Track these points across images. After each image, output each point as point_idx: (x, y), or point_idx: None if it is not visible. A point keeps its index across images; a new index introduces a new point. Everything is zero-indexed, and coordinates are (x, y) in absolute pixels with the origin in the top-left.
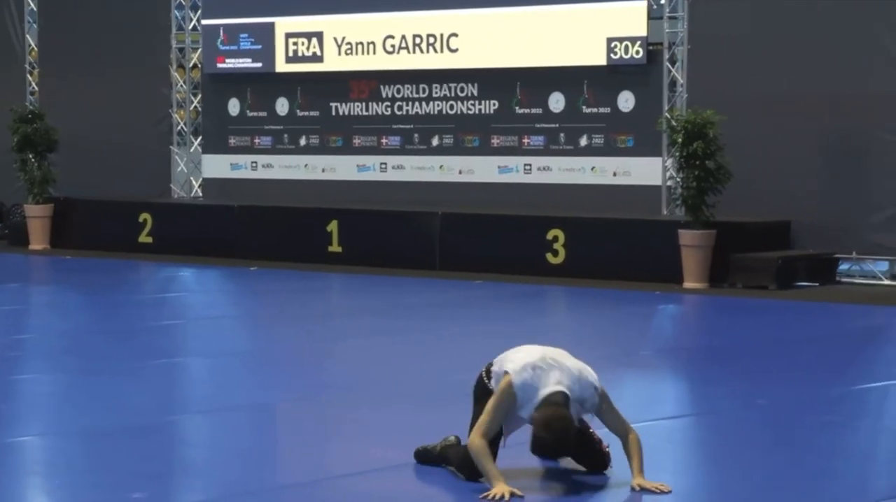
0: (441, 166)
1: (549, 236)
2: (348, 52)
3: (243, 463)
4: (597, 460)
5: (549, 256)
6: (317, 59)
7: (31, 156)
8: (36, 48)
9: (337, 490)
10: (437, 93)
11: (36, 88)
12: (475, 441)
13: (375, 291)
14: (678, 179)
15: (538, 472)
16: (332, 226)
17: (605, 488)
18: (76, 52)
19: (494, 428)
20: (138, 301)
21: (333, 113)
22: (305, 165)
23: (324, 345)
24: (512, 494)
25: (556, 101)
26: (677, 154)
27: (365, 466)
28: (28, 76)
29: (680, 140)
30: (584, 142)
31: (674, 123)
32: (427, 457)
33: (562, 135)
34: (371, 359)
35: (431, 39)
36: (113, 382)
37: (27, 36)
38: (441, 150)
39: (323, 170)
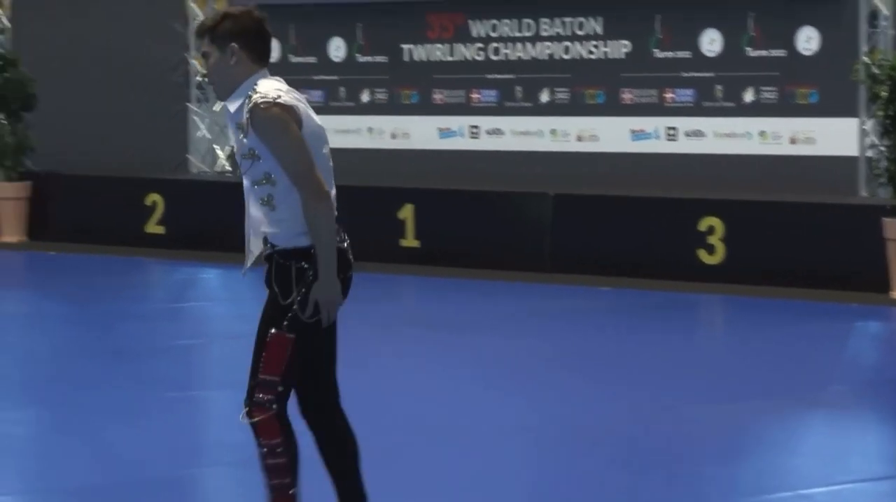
0: (553, 131)
1: (702, 226)
2: None
3: None
4: None
5: (701, 253)
6: None
7: (0, 116)
8: None
9: None
10: (546, 30)
11: (6, 24)
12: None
13: (462, 299)
14: (882, 148)
15: None
16: (406, 213)
17: None
18: None
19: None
20: (144, 313)
21: (406, 58)
22: (369, 129)
23: (383, 371)
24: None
25: (711, 42)
26: (880, 113)
27: None
28: None
29: (884, 94)
30: (749, 97)
31: (875, 71)
32: None
33: (718, 87)
34: (450, 393)
35: None
36: (111, 424)
37: None
38: (552, 109)
39: (393, 136)
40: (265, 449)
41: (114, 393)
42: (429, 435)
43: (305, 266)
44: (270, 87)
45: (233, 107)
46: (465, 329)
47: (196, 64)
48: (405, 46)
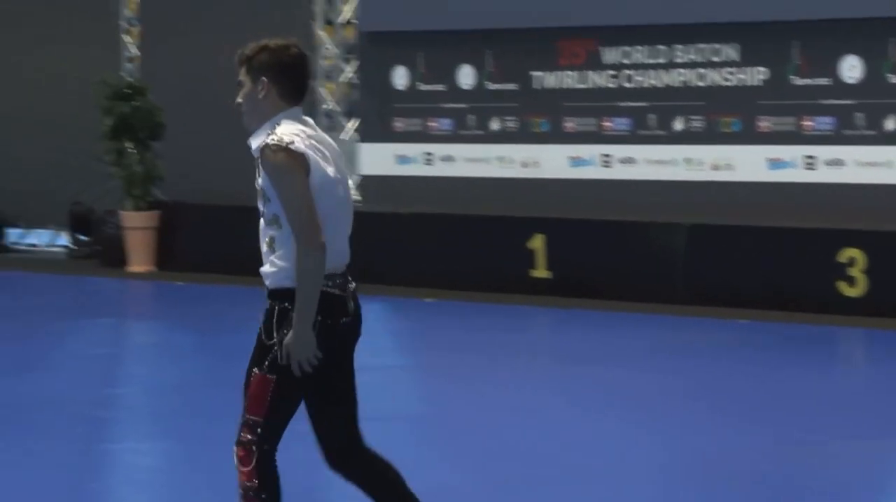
0: (687, 159)
1: (843, 258)
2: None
3: None
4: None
5: (841, 286)
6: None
7: (129, 145)
8: None
9: None
10: (680, 56)
11: (135, 53)
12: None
13: (593, 331)
14: None
15: None
16: (537, 243)
17: None
18: (189, 3)
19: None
20: None
21: (536, 85)
22: (499, 158)
23: (511, 404)
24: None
25: (851, 68)
26: None
27: None
28: (124, 37)
29: None
30: (891, 124)
31: None
32: None
33: (859, 114)
34: (581, 428)
35: None
36: None
37: None
38: (686, 137)
39: (523, 165)
40: (241, 491)
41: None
42: (560, 471)
43: (289, 307)
44: (288, 130)
45: (254, 143)
46: (595, 361)
47: (322, 92)
48: (535, 74)
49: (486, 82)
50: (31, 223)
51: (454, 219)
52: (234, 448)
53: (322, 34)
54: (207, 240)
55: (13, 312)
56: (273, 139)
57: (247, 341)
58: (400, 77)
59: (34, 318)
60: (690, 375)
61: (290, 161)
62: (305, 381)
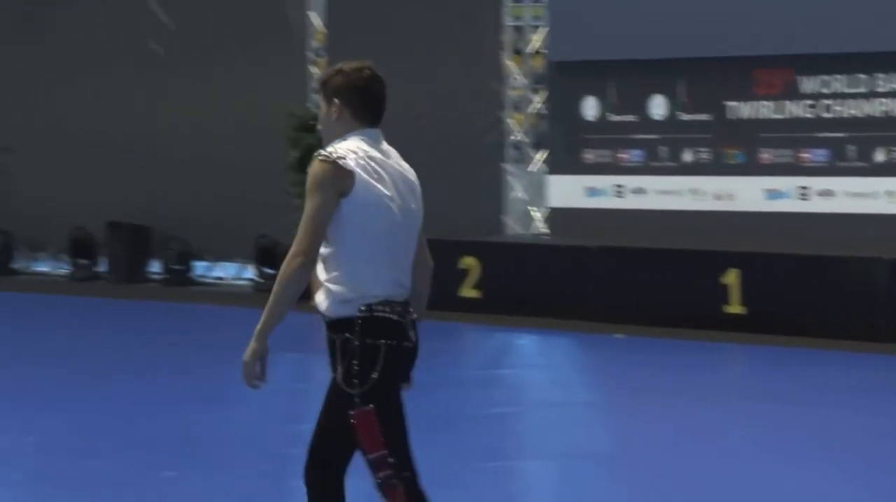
0: (888, 192)
1: None
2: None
3: None
4: None
5: None
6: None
7: None
8: (324, 29)
9: None
10: (881, 86)
11: None
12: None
13: (790, 369)
14: None
15: None
16: (731, 278)
17: None
18: (374, 31)
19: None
20: (458, 379)
21: (731, 115)
22: (692, 190)
23: (706, 445)
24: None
25: None
26: None
27: None
28: (311, 68)
29: None
30: None
31: None
32: None
33: None
34: (780, 470)
35: None
36: (429, 492)
37: (309, 13)
38: (888, 169)
39: (717, 198)
40: None
41: (428, 463)
42: None
43: (349, 337)
44: (348, 146)
45: None
46: (793, 401)
47: (510, 123)
48: (730, 104)
49: (678, 113)
50: (218, 256)
51: (645, 253)
52: (379, 495)
53: (510, 64)
54: None
55: (203, 345)
56: (328, 150)
57: (431, 376)
58: (590, 107)
59: (223, 352)
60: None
61: (331, 176)
62: (391, 394)
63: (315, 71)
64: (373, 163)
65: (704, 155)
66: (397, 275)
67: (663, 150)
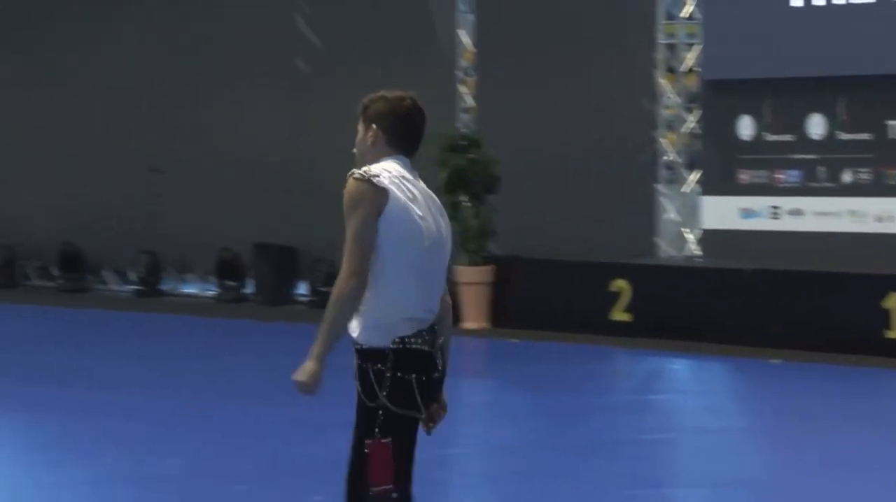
0: None
1: None
2: None
3: None
4: None
5: None
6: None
7: (464, 198)
8: (473, 48)
9: None
10: None
11: (471, 104)
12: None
13: None
14: None
15: None
16: (893, 302)
17: None
18: (523, 49)
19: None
20: (608, 405)
21: (893, 135)
22: (851, 212)
23: (872, 481)
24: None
25: None
26: None
27: None
28: (460, 87)
29: None
30: None
31: None
32: None
33: None
34: None
35: None
36: None
37: (458, 31)
38: None
39: (878, 220)
40: None
41: (578, 488)
42: None
43: (382, 368)
44: (382, 166)
45: None
46: None
47: (663, 143)
48: (891, 123)
49: (837, 132)
50: None
51: (802, 276)
52: None
53: (664, 82)
54: (543, 296)
55: (349, 368)
56: (362, 170)
57: (581, 401)
58: (745, 127)
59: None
60: None
61: (364, 191)
62: (410, 427)
63: (464, 90)
64: (406, 183)
65: (864, 175)
66: (427, 296)
67: (821, 171)
